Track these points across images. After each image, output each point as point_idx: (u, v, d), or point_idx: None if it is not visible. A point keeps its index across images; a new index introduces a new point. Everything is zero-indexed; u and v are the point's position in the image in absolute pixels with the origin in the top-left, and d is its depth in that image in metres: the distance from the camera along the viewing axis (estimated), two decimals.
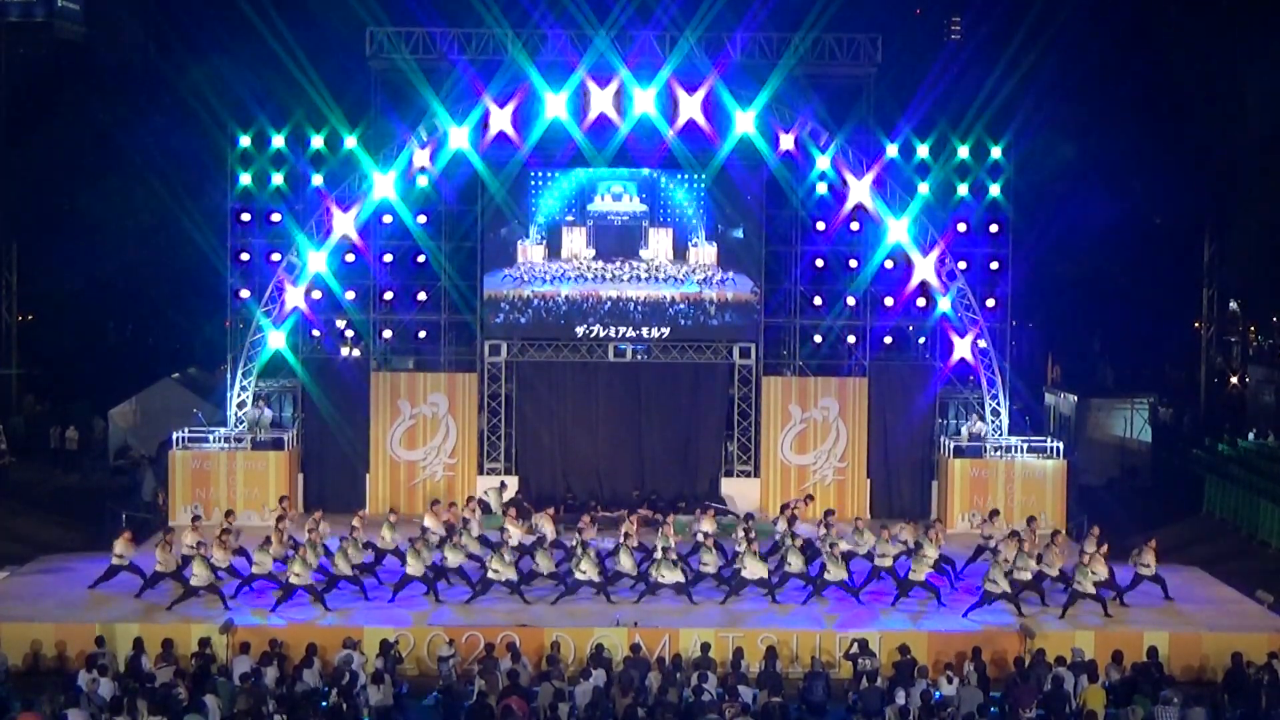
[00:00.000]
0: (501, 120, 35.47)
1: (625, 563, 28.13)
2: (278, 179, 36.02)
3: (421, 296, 37.03)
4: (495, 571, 27.48)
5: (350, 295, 36.61)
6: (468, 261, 37.34)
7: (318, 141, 36.00)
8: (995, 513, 31.81)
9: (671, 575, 27.63)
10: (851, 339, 37.26)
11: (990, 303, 36.23)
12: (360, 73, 37.06)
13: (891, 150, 35.91)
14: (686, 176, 36.50)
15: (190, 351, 54.11)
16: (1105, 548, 28.02)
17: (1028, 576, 27.37)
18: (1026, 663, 23.97)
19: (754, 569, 27.81)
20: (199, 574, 26.82)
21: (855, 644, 24.49)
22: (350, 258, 36.38)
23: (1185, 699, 21.91)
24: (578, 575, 27.56)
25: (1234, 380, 58.95)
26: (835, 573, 27.64)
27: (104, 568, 28.11)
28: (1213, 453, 42.19)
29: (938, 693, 22.23)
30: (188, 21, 55.10)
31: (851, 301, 36.96)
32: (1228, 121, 54.41)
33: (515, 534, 29.58)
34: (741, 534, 29.41)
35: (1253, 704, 22.40)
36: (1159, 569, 28.15)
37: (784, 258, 37.45)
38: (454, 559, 28.20)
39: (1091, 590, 26.90)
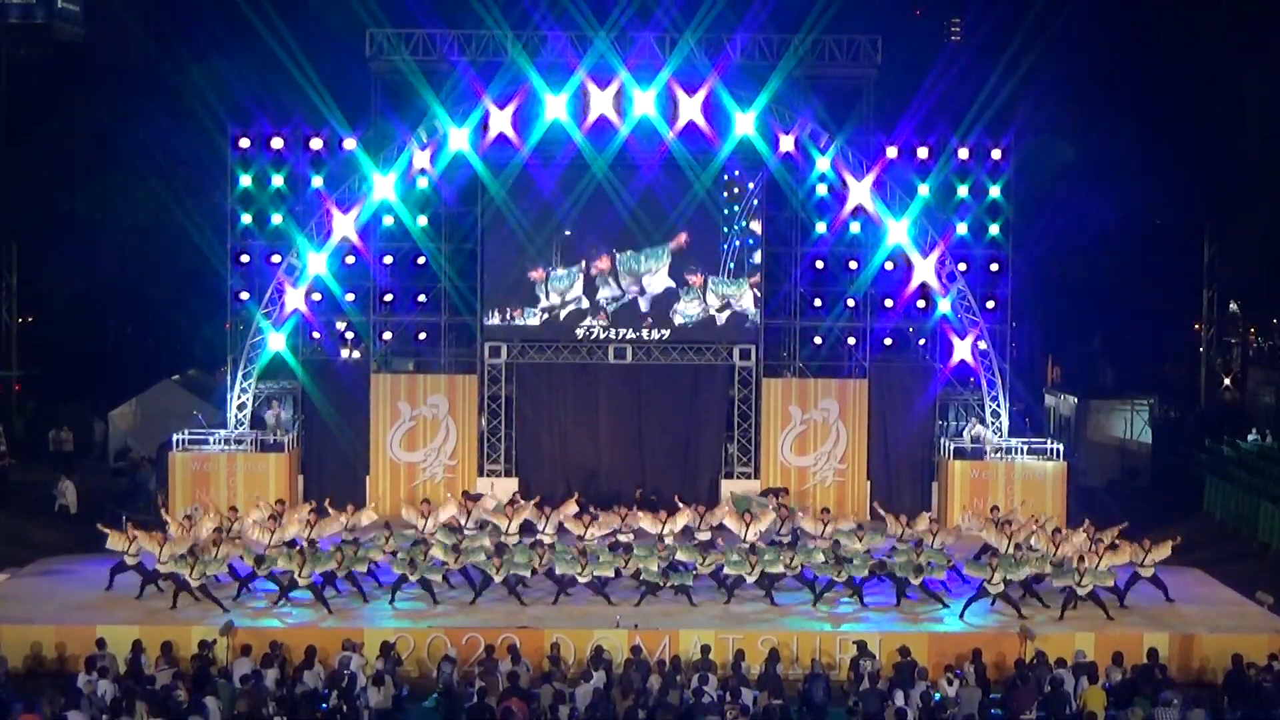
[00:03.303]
0: (501, 122, 35.48)
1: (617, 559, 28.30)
2: (278, 180, 36.06)
3: (421, 298, 37.10)
4: (492, 567, 27.55)
5: (350, 297, 36.67)
6: (468, 263, 37.37)
7: (317, 143, 36.02)
8: (995, 509, 31.88)
9: (669, 575, 27.64)
10: (851, 340, 37.29)
11: (990, 304, 36.26)
12: (360, 74, 37.09)
13: (891, 151, 35.94)
14: (686, 178, 36.45)
15: (190, 353, 54.09)
16: (1101, 546, 27.95)
17: (1023, 575, 27.41)
18: (1027, 664, 23.95)
19: (739, 574, 27.89)
20: (194, 573, 26.84)
21: (855, 645, 24.50)
22: (350, 259, 36.42)
23: (1185, 700, 21.87)
24: (575, 575, 27.58)
25: (1228, 381, 58.83)
26: (839, 572, 27.71)
27: (106, 569, 28.19)
28: (1213, 454, 42.15)
29: (938, 694, 22.22)
30: (188, 23, 55.10)
31: (851, 303, 36.99)
32: (1227, 122, 54.45)
33: (510, 528, 29.75)
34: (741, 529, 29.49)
35: (1253, 706, 22.39)
36: (1158, 570, 28.16)
37: (784, 259, 37.48)
38: (451, 561, 28.22)
39: (1088, 590, 26.92)
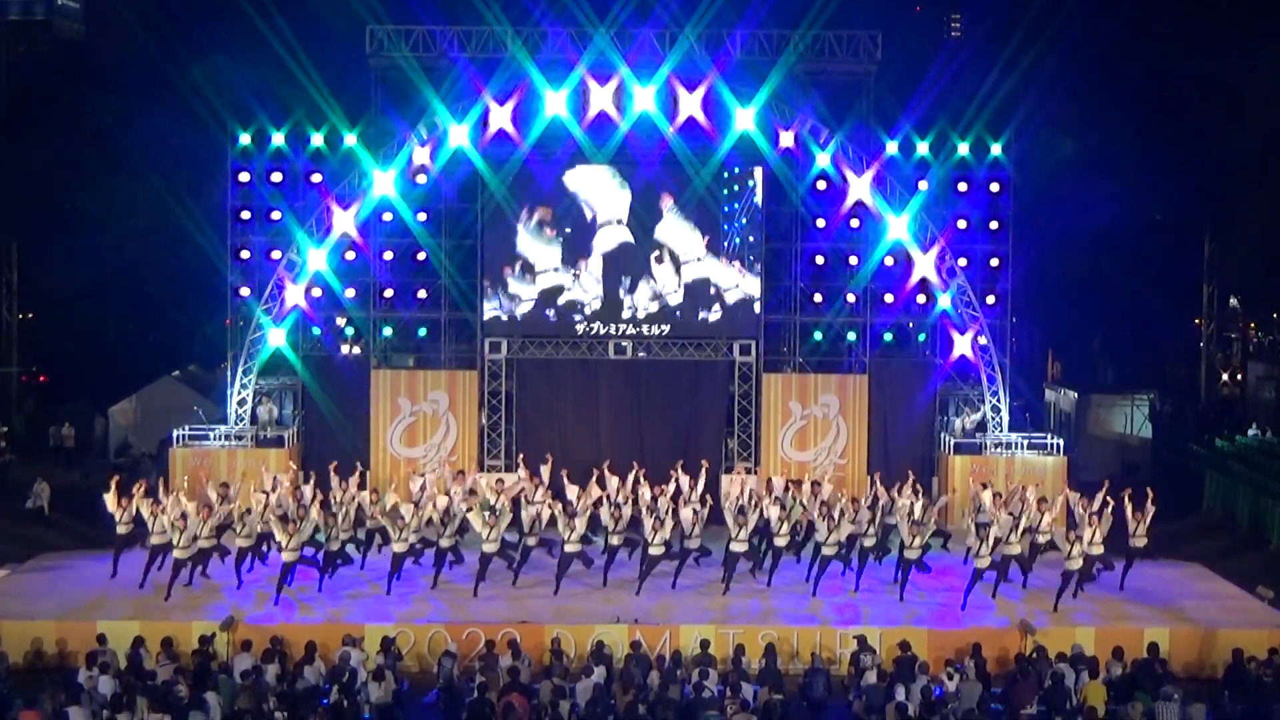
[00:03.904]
0: (501, 118, 35.47)
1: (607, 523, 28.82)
2: (278, 177, 36.06)
3: (422, 294, 37.08)
4: (488, 543, 27.71)
5: (350, 293, 36.65)
6: (468, 259, 37.36)
7: (318, 139, 36.05)
8: (985, 485, 32.07)
9: (658, 547, 27.83)
10: (852, 336, 37.26)
11: (990, 299, 36.28)
12: (360, 70, 37.05)
13: (891, 147, 35.92)
14: (686, 174, 36.45)
15: (191, 349, 54.13)
16: (1097, 511, 28.09)
17: (1016, 550, 27.49)
18: (1027, 659, 23.97)
19: (739, 544, 28.12)
20: (180, 546, 27.00)
21: (855, 640, 24.54)
22: (350, 255, 36.39)
23: (1186, 695, 21.94)
24: (567, 549, 27.69)
25: (1227, 376, 58.89)
26: (830, 539, 27.94)
27: (107, 565, 28.28)
28: (1213, 449, 42.16)
29: (938, 689, 22.24)
30: (188, 19, 55.14)
31: (852, 298, 36.96)
32: (1228, 118, 54.42)
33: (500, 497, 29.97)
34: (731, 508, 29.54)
35: (1253, 700, 22.42)
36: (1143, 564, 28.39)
37: (784, 254, 37.45)
38: (446, 541, 28.35)
39: (1079, 565, 27.00)
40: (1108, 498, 28.70)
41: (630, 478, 31.17)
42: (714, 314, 36.94)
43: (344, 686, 21.83)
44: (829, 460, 37.04)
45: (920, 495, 30.50)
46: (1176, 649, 25.48)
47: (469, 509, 28.85)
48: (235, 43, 46.88)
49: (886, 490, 30.90)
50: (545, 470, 32.21)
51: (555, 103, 35.43)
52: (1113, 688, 22.66)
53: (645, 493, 30.49)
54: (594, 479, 31.24)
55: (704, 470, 31.39)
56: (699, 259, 36.80)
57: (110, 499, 28.78)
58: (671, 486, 30.71)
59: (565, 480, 31.14)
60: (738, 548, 28.22)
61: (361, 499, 30.25)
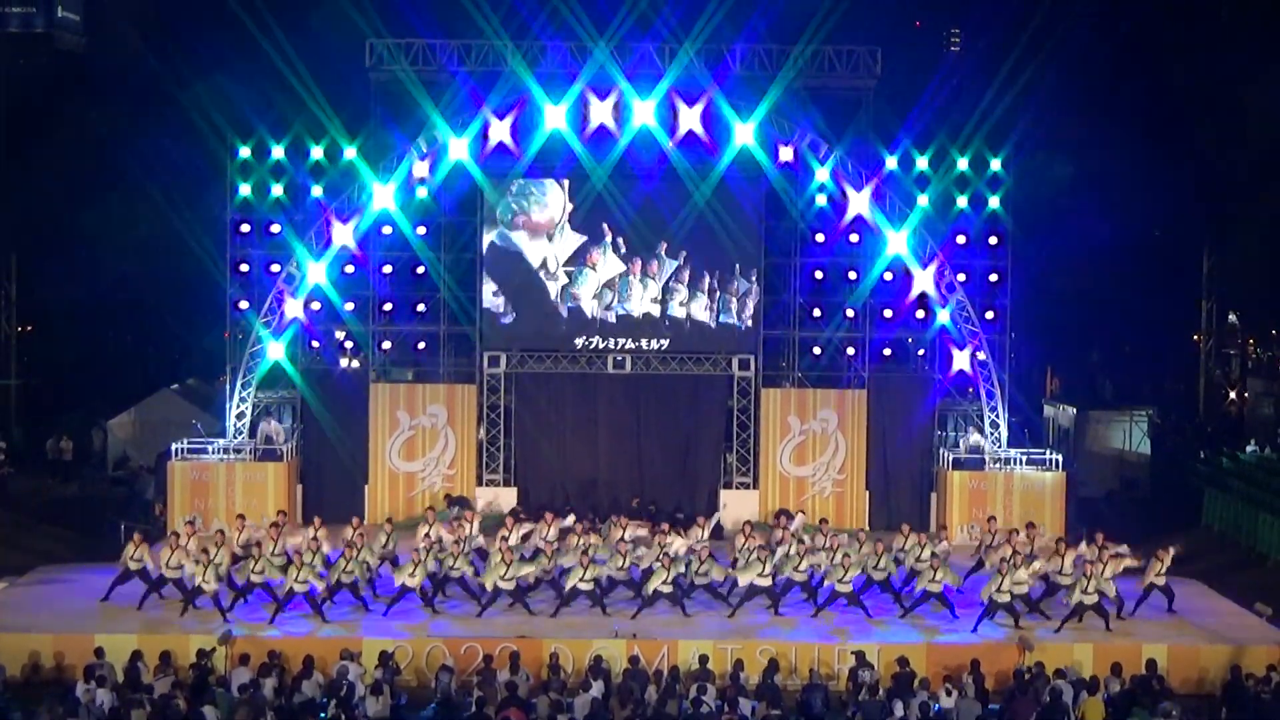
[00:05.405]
0: (501, 132, 35.52)
1: (617, 568, 28.25)
2: (277, 190, 36.08)
3: (421, 308, 37.10)
4: (499, 582, 27.52)
5: (349, 306, 36.65)
6: (467, 273, 37.37)
7: (317, 152, 36.04)
8: (992, 519, 31.94)
9: (666, 586, 27.56)
10: (850, 351, 37.25)
11: (989, 315, 36.28)
12: (360, 84, 37.10)
13: (891, 162, 35.94)
14: (686, 188, 36.45)
15: (189, 362, 54.13)
16: (1108, 554, 27.91)
17: (1025, 589, 27.31)
18: (1026, 675, 23.92)
19: (753, 578, 27.83)
20: (206, 580, 26.81)
21: (854, 656, 24.49)
22: (350, 269, 36.42)
23: (1184, 712, 21.90)
24: (577, 585, 27.56)
25: (1232, 395, 58.94)
26: (840, 586, 27.66)
27: (106, 577, 28.14)
28: (1212, 465, 42.16)
29: (936, 705, 22.19)
30: (188, 32, 55.18)
31: (850, 313, 36.96)
32: (1227, 134, 54.49)
33: (513, 539, 29.59)
34: (742, 541, 29.30)
35: (1251, 717, 22.38)
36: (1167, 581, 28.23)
37: (783, 269, 37.48)
38: (455, 571, 28.16)
39: (1094, 600, 26.87)
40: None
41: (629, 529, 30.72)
42: (712, 328, 36.96)
43: (342, 701, 21.79)
44: (828, 475, 37.04)
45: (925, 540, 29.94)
46: (1175, 666, 25.39)
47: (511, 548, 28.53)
48: (235, 56, 46.92)
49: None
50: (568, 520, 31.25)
51: (555, 117, 35.47)
52: (1111, 704, 22.63)
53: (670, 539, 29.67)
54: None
55: (701, 521, 30.82)
56: (695, 277, 36.89)
57: (130, 549, 28.27)
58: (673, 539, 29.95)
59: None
60: (761, 582, 27.97)
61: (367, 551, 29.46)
